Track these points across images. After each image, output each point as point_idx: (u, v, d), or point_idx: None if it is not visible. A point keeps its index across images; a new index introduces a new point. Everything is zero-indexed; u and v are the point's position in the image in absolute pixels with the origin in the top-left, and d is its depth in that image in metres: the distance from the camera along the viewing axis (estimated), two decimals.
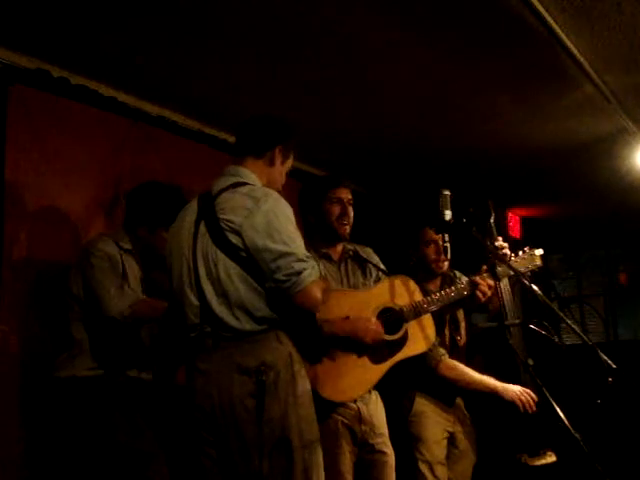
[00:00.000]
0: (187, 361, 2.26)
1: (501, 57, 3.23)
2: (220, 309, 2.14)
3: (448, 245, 2.85)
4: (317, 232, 2.83)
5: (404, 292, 2.79)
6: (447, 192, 2.81)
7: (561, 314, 2.58)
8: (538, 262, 3.14)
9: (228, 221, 2.15)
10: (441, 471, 2.96)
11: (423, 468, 2.94)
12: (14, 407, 2.84)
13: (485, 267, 2.98)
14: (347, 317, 2.62)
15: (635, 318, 8.02)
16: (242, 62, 3.18)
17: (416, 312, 2.76)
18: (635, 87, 3.65)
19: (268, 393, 2.07)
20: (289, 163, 2.43)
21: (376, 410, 2.73)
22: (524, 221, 6.75)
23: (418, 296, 2.81)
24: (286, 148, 2.39)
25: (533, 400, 2.93)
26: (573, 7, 2.75)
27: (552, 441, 3.00)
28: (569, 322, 2.52)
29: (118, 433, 2.71)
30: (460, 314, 3.22)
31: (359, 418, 2.64)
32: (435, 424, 3.01)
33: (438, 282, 3.19)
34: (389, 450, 2.72)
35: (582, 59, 3.20)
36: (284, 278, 2.09)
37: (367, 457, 2.66)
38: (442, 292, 2.88)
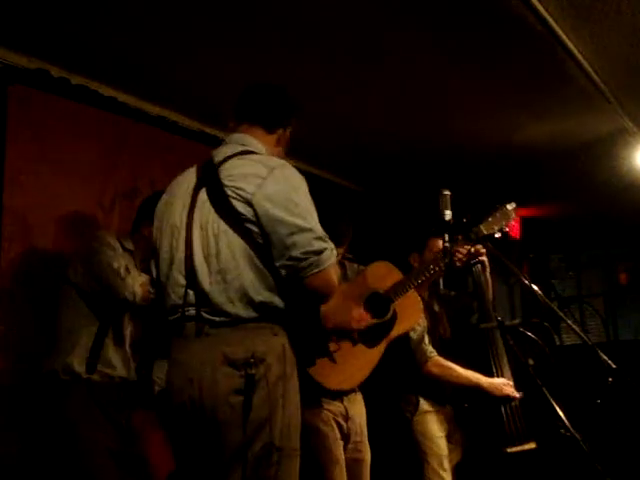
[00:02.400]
0: (165, 351, 2.02)
1: (501, 57, 3.23)
2: (212, 289, 1.86)
3: (448, 245, 2.86)
4: None
5: (385, 275, 2.84)
6: (447, 192, 2.81)
7: (561, 314, 2.59)
8: (513, 215, 3.06)
9: (237, 188, 1.87)
10: (446, 464, 3.08)
11: (433, 462, 3.04)
12: (13, 407, 2.84)
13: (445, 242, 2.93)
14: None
15: (635, 318, 8.01)
16: (242, 62, 3.17)
17: (400, 290, 2.80)
18: (635, 87, 3.65)
19: (257, 389, 1.81)
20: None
21: (360, 410, 2.80)
22: (524, 221, 6.75)
23: (399, 275, 2.86)
24: (291, 132, 2.17)
25: (515, 389, 3.07)
26: (573, 7, 2.75)
27: (535, 432, 3.09)
28: (569, 322, 2.52)
29: (90, 429, 2.69)
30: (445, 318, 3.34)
31: (345, 416, 2.71)
32: (438, 422, 3.14)
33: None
34: (367, 449, 2.78)
35: (582, 59, 3.20)
36: (302, 256, 1.82)
37: (349, 455, 2.71)
38: (422, 267, 2.91)
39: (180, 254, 1.93)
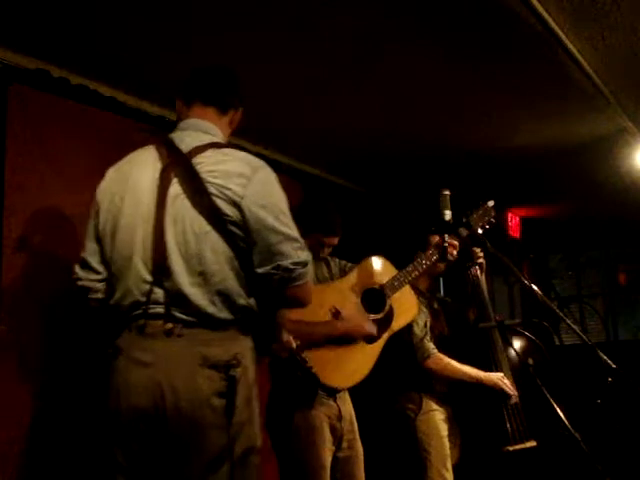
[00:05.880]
0: (106, 348, 1.88)
1: (500, 58, 3.23)
2: (194, 291, 1.78)
3: (448, 245, 2.88)
4: None
5: (380, 270, 2.86)
6: (447, 192, 2.83)
7: (561, 314, 2.59)
8: (492, 213, 3.16)
9: (223, 187, 1.79)
10: (449, 464, 3.09)
11: (437, 462, 3.05)
12: (14, 408, 2.84)
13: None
14: (337, 312, 2.64)
15: (635, 318, 8.02)
16: (243, 61, 3.17)
17: (396, 286, 2.82)
18: (635, 87, 3.65)
19: (238, 391, 1.77)
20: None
21: (349, 407, 2.81)
22: (524, 221, 6.76)
23: (393, 271, 2.87)
24: (242, 114, 2.12)
25: (515, 388, 3.11)
26: (573, 7, 2.75)
27: (535, 432, 3.13)
28: (569, 322, 2.53)
29: None
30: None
31: (339, 416, 2.71)
32: (441, 421, 3.15)
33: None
34: (360, 446, 2.79)
35: (582, 59, 3.20)
36: (291, 267, 1.81)
37: (343, 453, 2.72)
38: (415, 262, 2.92)
39: (147, 249, 1.83)
